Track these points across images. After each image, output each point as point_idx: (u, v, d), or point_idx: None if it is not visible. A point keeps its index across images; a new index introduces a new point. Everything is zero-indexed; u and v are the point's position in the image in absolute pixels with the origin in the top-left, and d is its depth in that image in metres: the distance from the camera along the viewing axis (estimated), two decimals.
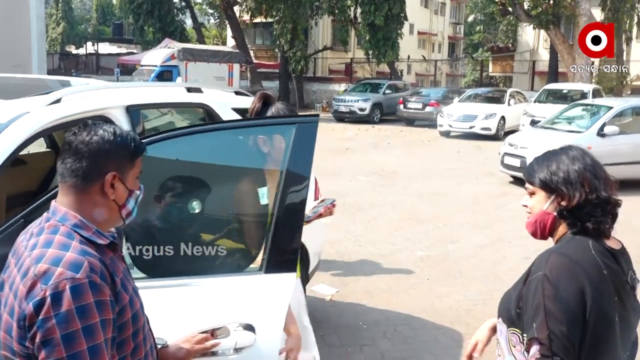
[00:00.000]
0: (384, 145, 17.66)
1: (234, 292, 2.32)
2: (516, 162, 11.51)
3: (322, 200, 2.83)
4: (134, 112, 3.01)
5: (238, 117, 4.09)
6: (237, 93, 4.60)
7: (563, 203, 1.89)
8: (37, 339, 1.45)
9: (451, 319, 5.22)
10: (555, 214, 1.91)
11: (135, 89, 3.69)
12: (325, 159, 14.39)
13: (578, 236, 1.88)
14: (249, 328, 2.26)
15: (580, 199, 1.85)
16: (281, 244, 2.31)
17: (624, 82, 29.79)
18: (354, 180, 11.60)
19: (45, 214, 1.64)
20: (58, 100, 2.65)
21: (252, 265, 2.42)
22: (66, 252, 1.51)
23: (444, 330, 5.01)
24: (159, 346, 1.91)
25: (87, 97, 2.93)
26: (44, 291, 1.45)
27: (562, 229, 1.94)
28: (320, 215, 3.00)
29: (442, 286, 6.06)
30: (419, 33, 50.90)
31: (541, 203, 1.93)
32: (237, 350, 2.25)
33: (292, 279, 2.31)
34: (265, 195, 2.48)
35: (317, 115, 2.37)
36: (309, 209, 2.89)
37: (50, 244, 1.53)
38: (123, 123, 2.84)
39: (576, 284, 1.77)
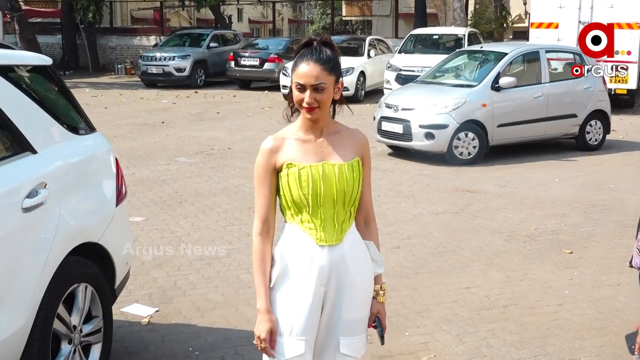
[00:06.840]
0: (211, 115, 17.63)
1: None
2: (398, 128, 11.74)
3: None
4: None
5: None
6: None
7: None
8: None
9: None
10: None
11: None
12: (133, 137, 14.15)
13: None
14: None
15: None
16: None
17: (505, 25, 31.99)
18: (173, 163, 11.49)
19: None
20: None
21: None
22: None
23: None
24: None
25: None
26: None
27: None
28: None
29: None
30: None
31: None
32: None
33: None
34: None
35: None
36: None
37: None
38: None
39: None
